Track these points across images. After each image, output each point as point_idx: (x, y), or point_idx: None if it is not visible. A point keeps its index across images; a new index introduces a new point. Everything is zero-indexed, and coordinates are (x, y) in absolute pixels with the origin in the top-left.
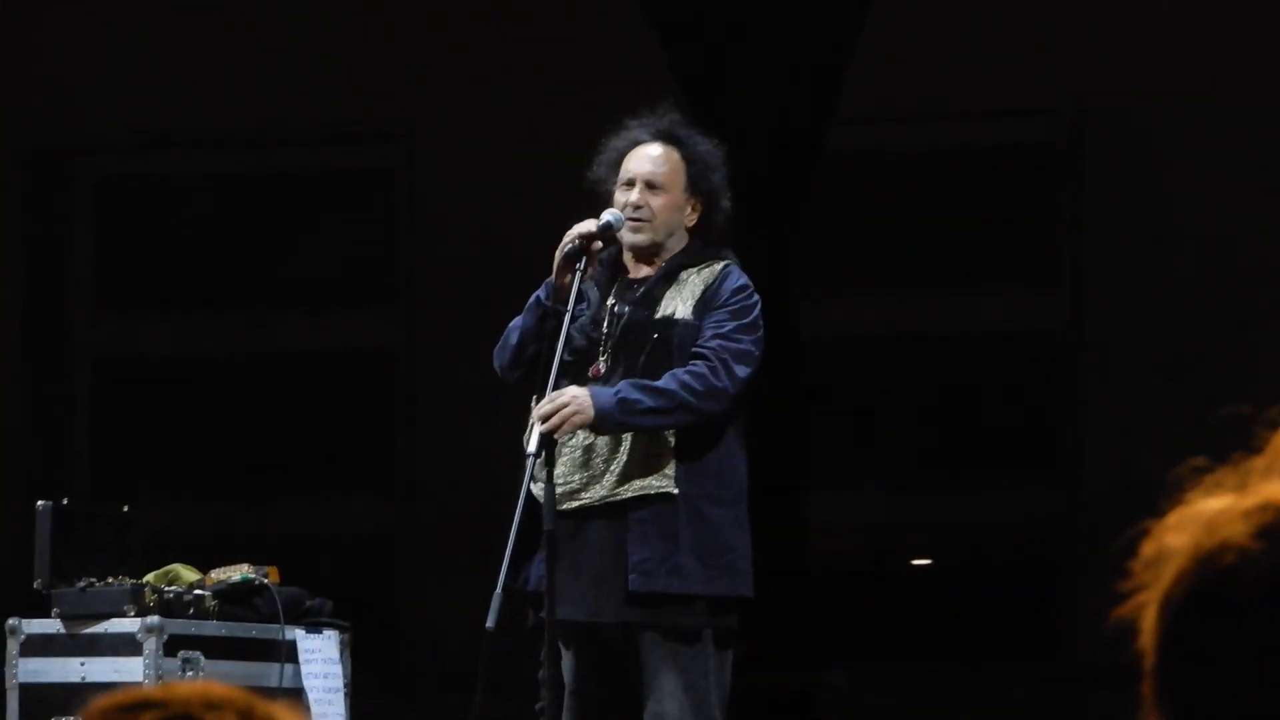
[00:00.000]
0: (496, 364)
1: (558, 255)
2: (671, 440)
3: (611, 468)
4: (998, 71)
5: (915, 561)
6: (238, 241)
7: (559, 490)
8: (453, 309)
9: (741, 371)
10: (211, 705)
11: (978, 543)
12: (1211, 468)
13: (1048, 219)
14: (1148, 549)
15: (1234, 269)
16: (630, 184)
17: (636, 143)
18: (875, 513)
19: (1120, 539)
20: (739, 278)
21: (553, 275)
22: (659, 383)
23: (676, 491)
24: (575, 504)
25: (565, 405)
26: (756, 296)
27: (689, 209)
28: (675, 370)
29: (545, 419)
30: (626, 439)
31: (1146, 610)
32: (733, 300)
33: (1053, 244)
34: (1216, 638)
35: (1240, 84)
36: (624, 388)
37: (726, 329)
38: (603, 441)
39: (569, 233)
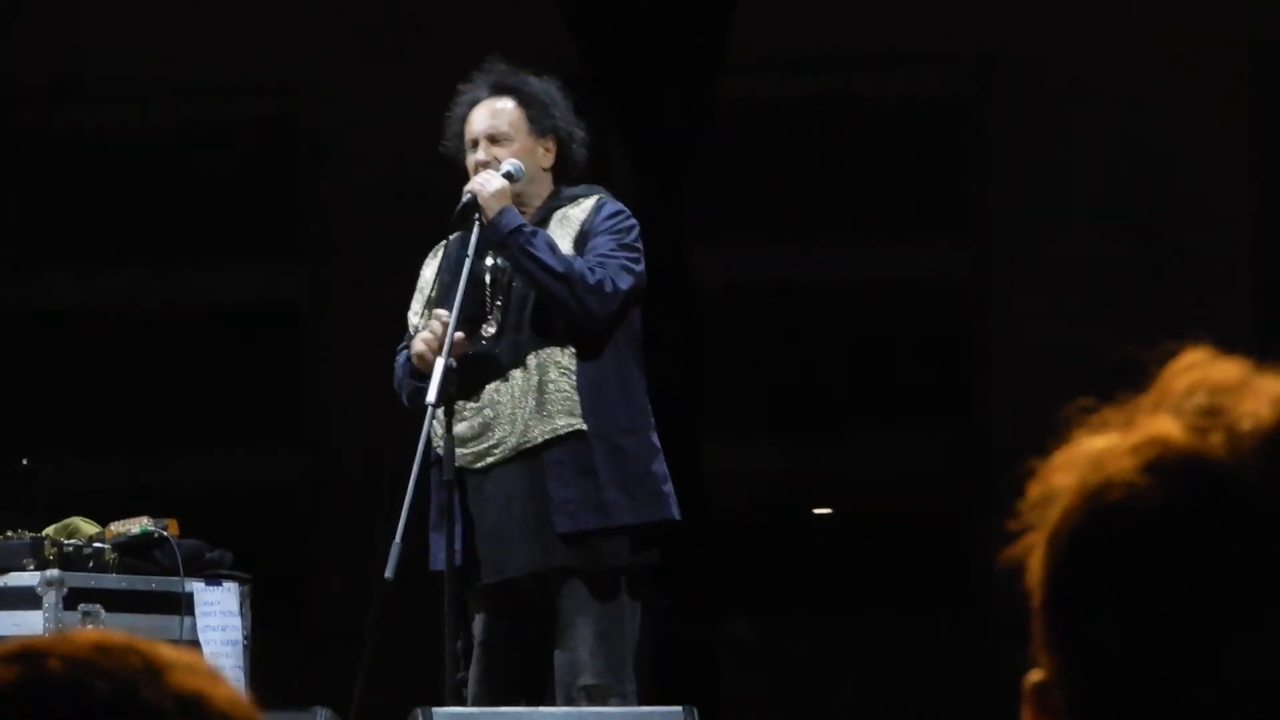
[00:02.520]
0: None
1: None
2: (573, 378)
3: (517, 416)
4: (902, 19)
5: (816, 510)
6: (140, 194)
7: (466, 452)
8: (359, 260)
9: (624, 282)
10: (109, 651)
11: (883, 492)
12: (1098, 407)
13: (953, 168)
14: (1034, 490)
15: (1139, 217)
16: (474, 144)
17: (474, 103)
18: (779, 463)
19: (1011, 482)
20: (613, 205)
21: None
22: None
23: (586, 427)
24: (486, 461)
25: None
26: (634, 220)
27: (541, 151)
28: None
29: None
30: (529, 389)
31: (1034, 551)
32: (609, 224)
33: (958, 193)
34: (1104, 574)
35: (1145, 34)
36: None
37: (607, 249)
38: (505, 395)
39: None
